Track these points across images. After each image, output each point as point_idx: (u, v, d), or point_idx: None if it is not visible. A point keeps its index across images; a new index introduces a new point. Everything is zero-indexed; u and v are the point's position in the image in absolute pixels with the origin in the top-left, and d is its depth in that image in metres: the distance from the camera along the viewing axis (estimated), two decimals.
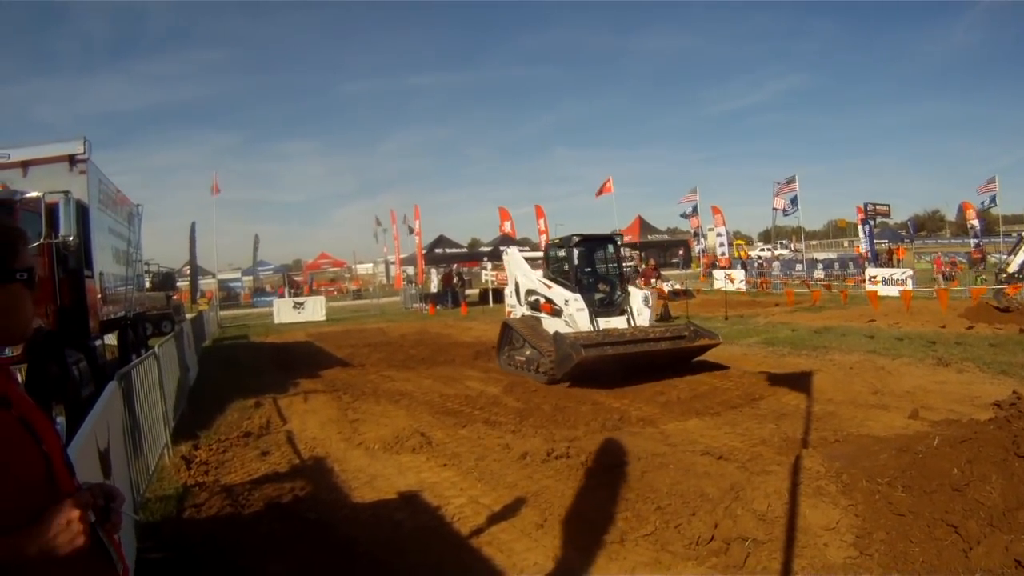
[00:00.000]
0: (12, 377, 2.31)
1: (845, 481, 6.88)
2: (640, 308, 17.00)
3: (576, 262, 18.02)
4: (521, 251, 25.37)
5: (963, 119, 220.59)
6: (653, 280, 28.80)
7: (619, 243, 19.34)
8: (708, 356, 16.73)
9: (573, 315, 16.58)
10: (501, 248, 25.66)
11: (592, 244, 18.81)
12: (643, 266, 32.26)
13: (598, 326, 16.52)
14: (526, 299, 18.46)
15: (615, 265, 18.69)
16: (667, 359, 15.71)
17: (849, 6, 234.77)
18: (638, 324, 16.68)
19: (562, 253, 18.50)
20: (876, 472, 6.84)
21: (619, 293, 17.71)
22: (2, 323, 2.24)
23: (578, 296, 16.85)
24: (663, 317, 26.80)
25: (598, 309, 16.98)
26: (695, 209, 62.35)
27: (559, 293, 17.30)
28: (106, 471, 6.00)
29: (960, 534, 5.57)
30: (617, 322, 16.79)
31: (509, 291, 20.75)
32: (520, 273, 19.59)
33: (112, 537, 2.30)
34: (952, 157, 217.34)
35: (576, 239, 18.28)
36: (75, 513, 2.08)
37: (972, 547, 5.42)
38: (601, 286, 17.96)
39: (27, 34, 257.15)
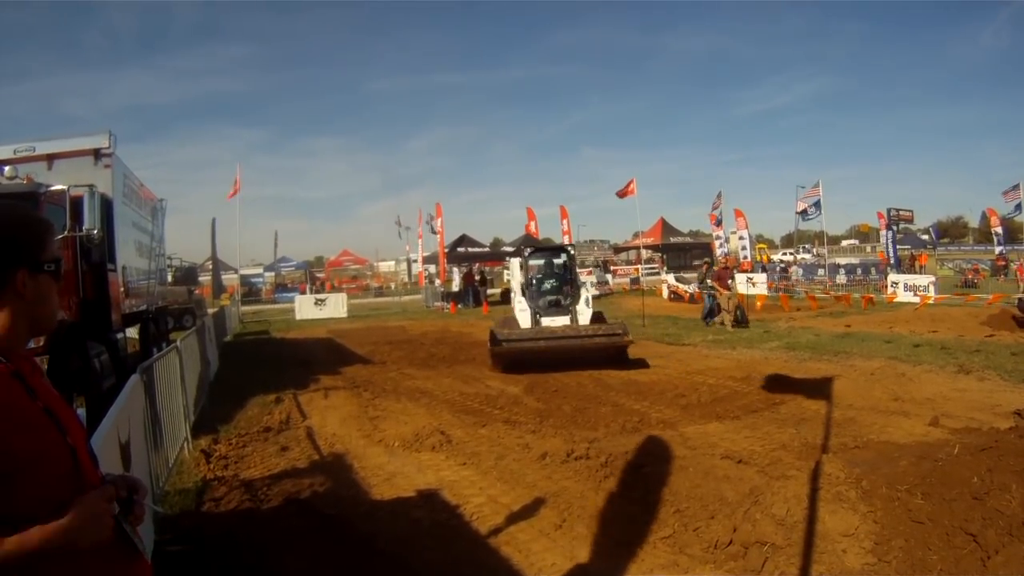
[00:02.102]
0: (37, 368, 2.34)
1: (864, 487, 6.87)
2: (582, 309, 19.29)
3: (530, 270, 20.68)
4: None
5: (989, 124, 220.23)
6: (730, 281, 27.36)
7: (571, 253, 21.62)
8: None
9: (516, 315, 19.61)
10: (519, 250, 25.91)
11: (548, 254, 21.95)
12: (709, 267, 30.12)
13: (540, 324, 18.91)
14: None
15: (566, 272, 20.74)
16: (595, 354, 17.51)
17: (877, 9, 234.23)
18: (579, 323, 18.85)
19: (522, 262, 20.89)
20: (896, 479, 6.82)
21: (567, 296, 19.91)
22: (30, 314, 2.26)
23: (522, 299, 19.83)
24: (740, 321, 26.17)
25: (547, 310, 19.49)
26: (720, 212, 62.18)
27: (516, 296, 20.35)
28: (126, 464, 6.04)
29: (979, 543, 5.55)
30: (561, 321, 19.02)
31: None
32: (513, 279, 22.71)
33: (135, 528, 2.33)
34: (977, 163, 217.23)
35: (529, 250, 21.98)
36: (101, 505, 2.13)
37: (991, 556, 5.40)
38: (553, 290, 20.24)
39: (56, 28, 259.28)
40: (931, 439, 9.24)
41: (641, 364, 17.86)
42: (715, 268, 28.60)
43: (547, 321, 18.89)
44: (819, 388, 13.27)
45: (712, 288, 27.30)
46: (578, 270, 22.22)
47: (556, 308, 19.44)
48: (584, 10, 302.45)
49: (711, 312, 27.28)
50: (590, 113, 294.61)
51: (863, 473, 7.19)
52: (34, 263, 2.23)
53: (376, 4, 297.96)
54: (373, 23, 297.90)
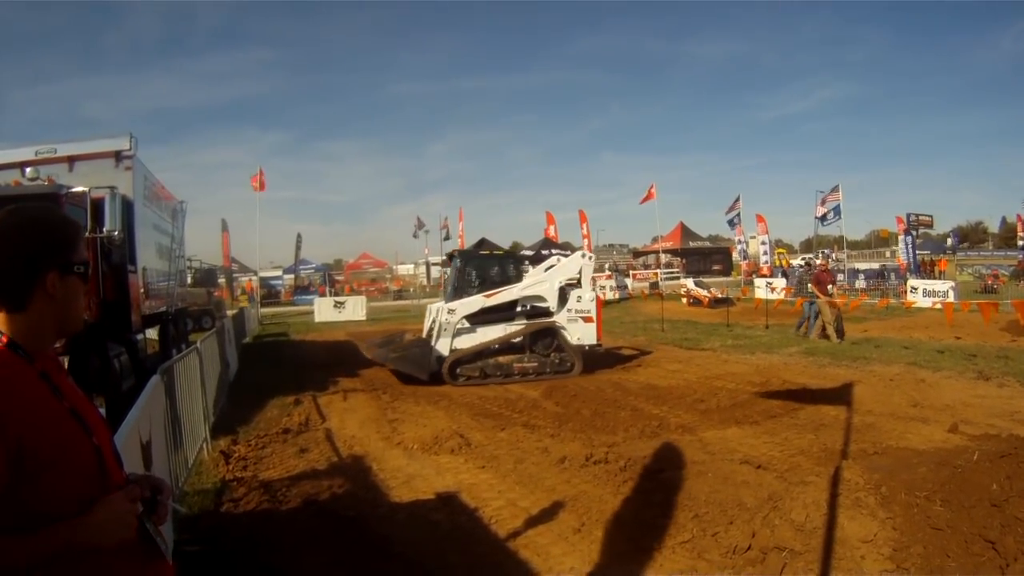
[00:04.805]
0: (62, 368, 2.37)
1: (884, 494, 6.87)
2: None
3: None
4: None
5: (1009, 129, 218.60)
6: (829, 287, 23.93)
7: (457, 260, 19.88)
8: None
9: None
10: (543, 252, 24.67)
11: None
12: (810, 270, 27.14)
13: None
14: None
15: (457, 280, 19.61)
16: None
17: (897, 15, 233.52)
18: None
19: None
20: (915, 485, 6.82)
21: None
22: (59, 315, 2.28)
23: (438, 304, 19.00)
24: (839, 333, 22.90)
25: None
26: (738, 216, 62.19)
27: None
28: (147, 463, 6.09)
29: (997, 550, 5.55)
30: None
31: None
32: None
33: (158, 528, 2.36)
34: (997, 168, 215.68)
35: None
36: (125, 505, 2.15)
37: (1009, 563, 5.40)
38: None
39: (78, 31, 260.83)
40: (950, 445, 9.23)
41: (660, 369, 17.87)
42: (814, 271, 25.64)
43: None
44: (838, 394, 13.25)
45: (812, 294, 24.11)
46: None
47: None
48: (605, 16, 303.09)
49: (809, 321, 24.25)
50: (610, 118, 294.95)
51: (882, 479, 7.19)
52: (65, 265, 2.25)
53: (397, 8, 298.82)
54: (394, 27, 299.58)
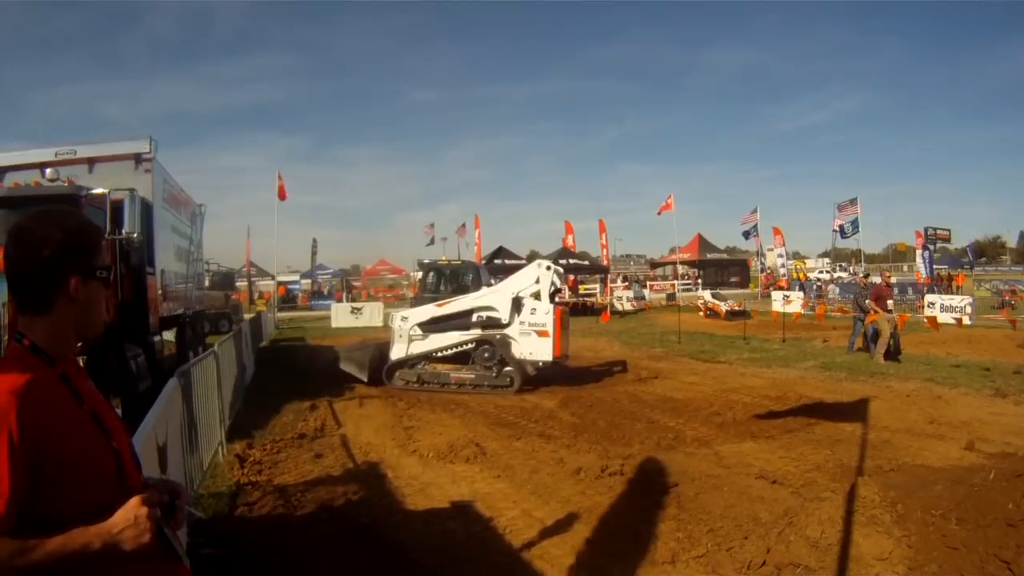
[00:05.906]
0: (82, 371, 2.40)
1: (899, 511, 6.84)
2: None
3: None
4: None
5: None
6: (889, 303, 22.08)
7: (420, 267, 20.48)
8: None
9: None
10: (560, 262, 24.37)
11: None
12: (868, 283, 24.71)
13: None
14: None
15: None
16: None
17: (915, 26, 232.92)
18: None
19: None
20: (931, 503, 6.79)
21: None
22: (81, 319, 2.31)
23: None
24: (896, 350, 21.14)
25: None
26: (755, 228, 62.00)
27: None
28: (163, 466, 6.13)
29: (1012, 570, 5.53)
30: None
31: None
32: None
33: (176, 533, 2.38)
34: (1015, 182, 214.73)
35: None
36: (144, 510, 2.16)
37: None
38: None
39: (98, 34, 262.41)
40: (966, 463, 9.21)
41: (676, 381, 17.82)
42: (872, 285, 24.23)
43: None
44: (854, 409, 13.20)
45: (869, 309, 21.84)
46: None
47: None
48: (623, 25, 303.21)
49: (867, 338, 22.16)
50: (627, 127, 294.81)
51: (898, 497, 7.16)
52: (87, 269, 2.29)
53: (415, 15, 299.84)
54: (412, 34, 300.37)
